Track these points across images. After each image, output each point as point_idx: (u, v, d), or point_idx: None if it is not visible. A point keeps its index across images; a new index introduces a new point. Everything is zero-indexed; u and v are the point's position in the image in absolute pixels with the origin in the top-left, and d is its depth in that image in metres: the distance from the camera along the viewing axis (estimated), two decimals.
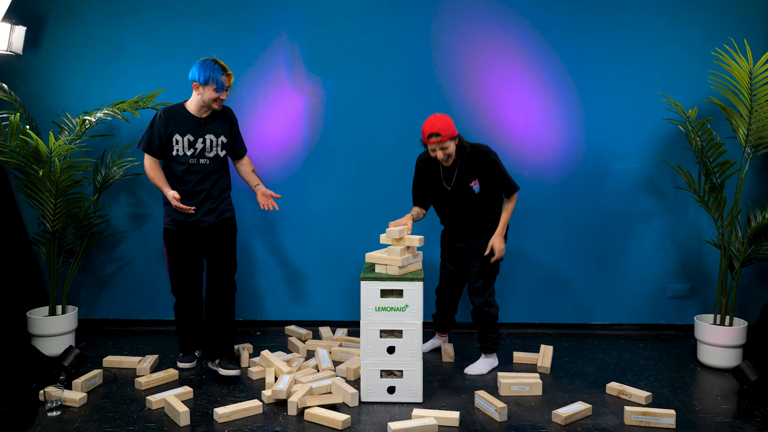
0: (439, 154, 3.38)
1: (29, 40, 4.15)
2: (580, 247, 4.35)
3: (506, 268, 4.31)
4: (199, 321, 3.75)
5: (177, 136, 3.43)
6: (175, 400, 3.09)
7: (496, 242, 3.52)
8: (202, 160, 3.47)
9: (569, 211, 4.33)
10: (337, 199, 4.34)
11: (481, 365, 3.66)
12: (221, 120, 3.54)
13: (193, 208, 3.41)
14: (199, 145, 3.46)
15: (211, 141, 3.48)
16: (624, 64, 4.21)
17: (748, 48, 3.52)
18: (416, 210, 3.66)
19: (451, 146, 3.38)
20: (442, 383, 3.52)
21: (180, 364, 3.71)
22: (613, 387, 3.38)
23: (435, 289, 3.91)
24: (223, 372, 3.46)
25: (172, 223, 3.54)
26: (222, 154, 3.54)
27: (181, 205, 3.37)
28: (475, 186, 3.49)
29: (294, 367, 3.61)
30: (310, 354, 3.94)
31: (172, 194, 3.37)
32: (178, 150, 3.44)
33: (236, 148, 3.66)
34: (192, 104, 3.47)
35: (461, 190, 3.51)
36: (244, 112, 4.22)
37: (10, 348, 3.55)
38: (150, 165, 3.48)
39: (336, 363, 3.75)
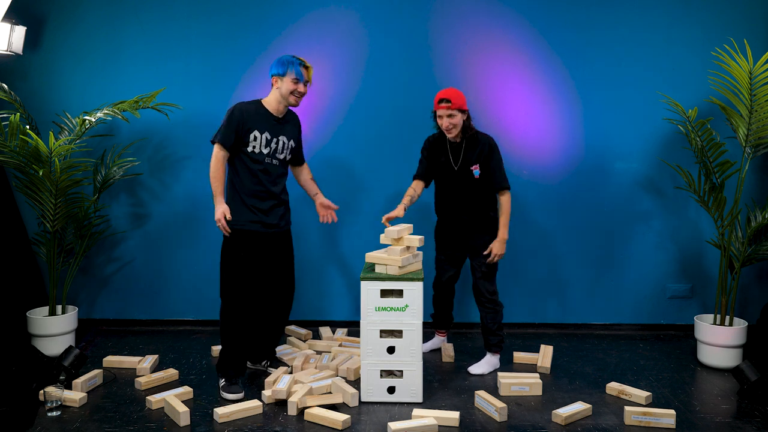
0: (445, 122, 3.43)
1: (29, 40, 4.15)
2: (580, 247, 4.35)
3: (506, 268, 4.30)
4: (253, 336, 3.53)
5: (256, 133, 3.29)
6: (175, 400, 3.09)
7: (496, 247, 3.54)
8: (274, 161, 3.37)
9: (569, 211, 4.33)
10: (337, 199, 4.34)
11: (485, 365, 3.67)
12: (293, 123, 3.48)
13: (230, 231, 3.27)
14: (273, 145, 3.34)
15: (284, 143, 3.39)
16: (624, 64, 4.21)
17: (748, 48, 3.52)
18: (411, 190, 3.63)
19: (458, 118, 3.43)
20: (442, 383, 3.52)
21: (229, 396, 3.28)
22: (613, 387, 3.38)
23: (432, 284, 3.91)
24: (283, 368, 3.51)
25: (245, 224, 3.29)
26: (288, 158, 3.46)
27: (225, 224, 3.23)
28: (476, 170, 3.52)
29: (311, 364, 3.65)
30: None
31: (222, 210, 3.22)
32: (254, 147, 3.29)
33: (300, 154, 3.59)
34: (271, 102, 3.36)
35: (466, 171, 3.55)
36: None
37: (10, 348, 3.55)
38: (218, 161, 3.25)
39: None
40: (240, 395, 3.28)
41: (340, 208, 4.32)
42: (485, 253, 3.56)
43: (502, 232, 3.55)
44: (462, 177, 3.57)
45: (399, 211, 3.52)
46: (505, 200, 3.56)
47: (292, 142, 3.45)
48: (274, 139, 3.36)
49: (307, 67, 3.34)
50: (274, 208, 3.40)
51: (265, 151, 3.33)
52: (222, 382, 3.35)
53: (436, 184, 3.71)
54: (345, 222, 4.35)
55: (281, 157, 3.41)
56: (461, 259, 3.78)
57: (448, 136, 3.50)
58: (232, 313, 3.34)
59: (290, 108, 3.46)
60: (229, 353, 3.36)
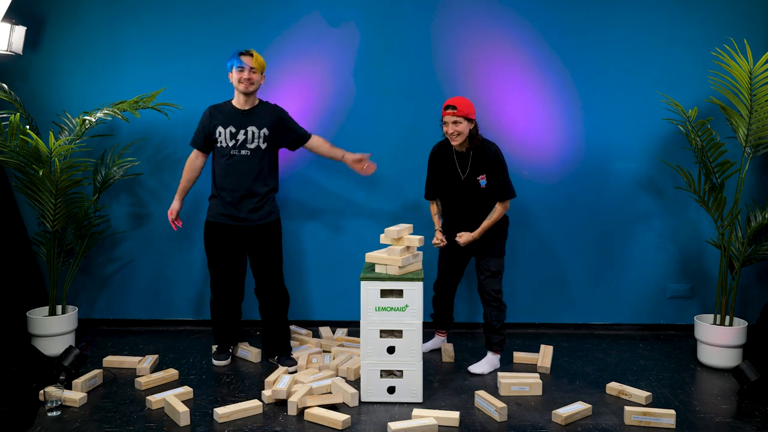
0: (450, 128, 3.45)
1: (29, 40, 4.15)
2: (580, 247, 4.35)
3: (506, 268, 4.30)
4: (235, 318, 3.81)
5: (220, 128, 3.53)
6: (175, 400, 3.09)
7: (465, 237, 3.56)
8: (243, 151, 3.52)
9: (569, 211, 4.33)
10: (338, 199, 4.34)
11: (485, 365, 3.67)
12: (265, 113, 3.59)
13: (180, 225, 3.75)
14: (240, 137, 3.51)
15: (253, 133, 3.52)
16: (624, 64, 4.21)
17: (748, 48, 3.52)
18: (434, 209, 3.76)
19: (463, 126, 3.44)
20: (442, 383, 3.52)
21: (214, 362, 3.75)
22: (613, 387, 3.38)
23: (432, 285, 3.91)
24: (283, 368, 3.58)
25: (215, 217, 3.59)
26: (264, 146, 3.55)
27: (171, 219, 3.71)
28: (482, 180, 3.54)
29: (314, 364, 3.67)
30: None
31: (171, 208, 3.70)
32: (220, 142, 3.53)
33: (296, 138, 3.67)
34: (235, 97, 3.58)
35: (473, 181, 3.56)
36: None
37: (10, 348, 3.55)
38: (189, 161, 3.67)
39: None
40: (221, 362, 3.74)
41: (339, 207, 4.34)
42: (456, 238, 3.59)
43: (479, 231, 3.56)
44: (469, 186, 3.57)
45: (441, 236, 3.68)
46: (501, 208, 3.58)
47: (265, 131, 3.54)
48: (241, 131, 3.52)
49: (248, 55, 3.47)
50: (243, 200, 3.54)
51: (230, 144, 3.53)
52: (214, 348, 3.84)
53: (442, 191, 3.70)
54: (345, 222, 4.35)
55: (252, 146, 3.53)
56: (466, 258, 3.78)
57: (452, 143, 3.50)
58: (212, 294, 3.76)
59: (263, 99, 3.65)
60: (213, 328, 3.83)
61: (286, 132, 3.64)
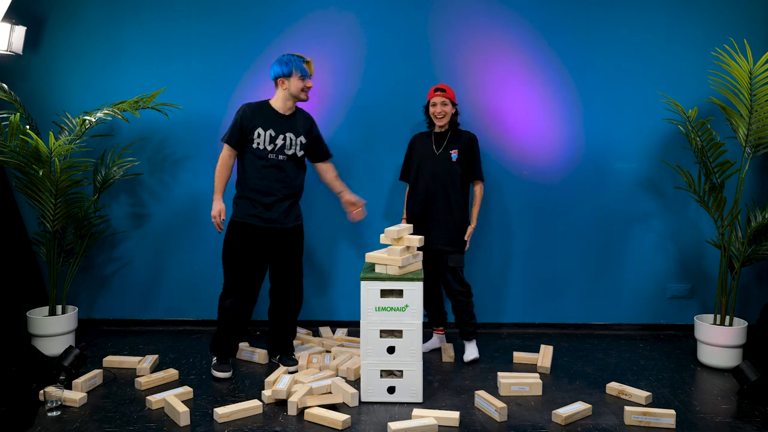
0: (438, 108, 3.72)
1: (29, 40, 4.15)
2: (580, 247, 4.35)
3: (506, 268, 4.31)
4: (244, 327, 3.65)
5: (259, 130, 3.45)
6: (175, 400, 3.09)
7: (469, 233, 3.82)
8: (281, 156, 3.49)
9: (569, 211, 4.33)
10: (337, 199, 4.34)
11: (473, 349, 3.81)
12: (302, 121, 3.58)
13: (223, 229, 3.52)
14: (279, 141, 3.47)
15: (291, 139, 3.50)
16: (624, 64, 4.21)
17: (748, 48, 3.52)
18: (407, 201, 3.95)
19: (449, 108, 3.74)
20: (442, 383, 3.52)
21: (216, 374, 3.53)
22: (613, 387, 3.38)
23: None
24: (283, 367, 3.59)
25: (243, 217, 3.49)
26: (300, 154, 3.54)
27: (218, 222, 3.48)
28: (454, 154, 3.74)
29: (315, 364, 3.68)
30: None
31: (219, 209, 3.48)
32: (258, 144, 3.45)
33: (318, 151, 3.68)
34: (277, 101, 3.52)
35: (446, 156, 3.75)
36: None
37: (10, 348, 3.55)
38: (222, 159, 3.51)
39: None
40: (227, 374, 3.53)
41: (339, 207, 4.33)
42: (465, 238, 3.78)
43: (475, 221, 3.85)
44: (442, 160, 3.75)
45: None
46: (480, 190, 3.85)
47: (302, 138, 3.54)
48: (280, 136, 3.48)
49: (307, 62, 3.52)
50: (276, 203, 3.51)
51: (269, 148, 3.46)
52: (213, 360, 3.60)
53: (415, 174, 3.82)
54: (345, 222, 4.35)
55: (290, 153, 3.51)
56: (436, 252, 3.82)
57: (438, 123, 3.75)
58: (225, 297, 3.55)
59: (298, 106, 3.62)
60: (219, 334, 3.59)
61: (316, 141, 3.66)
